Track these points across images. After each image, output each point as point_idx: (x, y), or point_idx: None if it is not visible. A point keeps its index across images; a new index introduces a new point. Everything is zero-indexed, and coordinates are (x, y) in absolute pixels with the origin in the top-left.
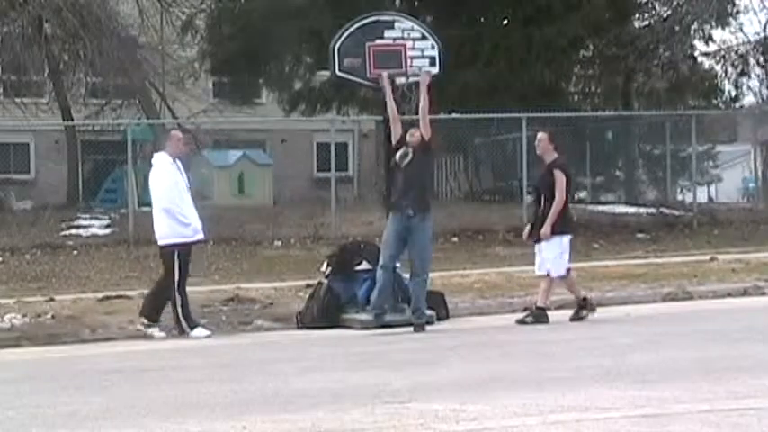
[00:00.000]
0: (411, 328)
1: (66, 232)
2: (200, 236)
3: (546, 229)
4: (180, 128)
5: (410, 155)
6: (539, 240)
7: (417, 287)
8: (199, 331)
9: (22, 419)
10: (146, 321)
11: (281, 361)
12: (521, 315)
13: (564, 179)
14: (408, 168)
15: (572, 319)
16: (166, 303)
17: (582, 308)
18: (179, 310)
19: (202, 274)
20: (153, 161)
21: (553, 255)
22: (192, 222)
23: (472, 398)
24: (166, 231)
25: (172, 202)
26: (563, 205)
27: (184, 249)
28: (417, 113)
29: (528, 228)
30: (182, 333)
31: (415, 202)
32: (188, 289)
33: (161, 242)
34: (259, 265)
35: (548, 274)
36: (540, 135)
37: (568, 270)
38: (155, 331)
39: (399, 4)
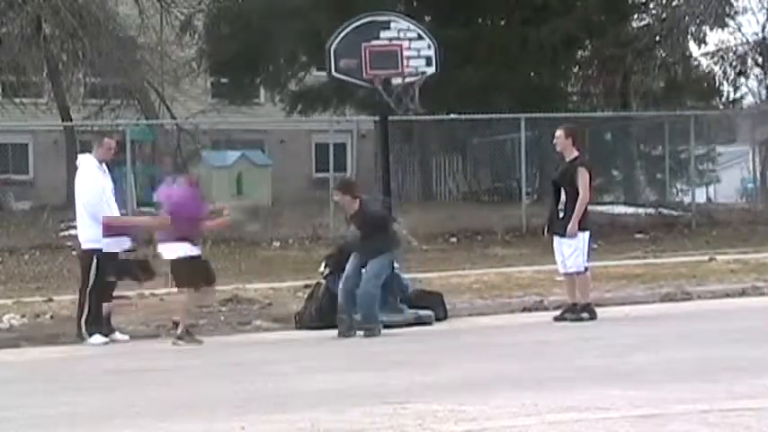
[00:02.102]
0: (410, 329)
1: (65, 233)
2: (126, 244)
3: (572, 227)
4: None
5: (357, 230)
6: (561, 235)
7: (363, 297)
8: (96, 338)
9: (22, 419)
10: (111, 334)
11: (280, 361)
12: (559, 314)
13: (587, 177)
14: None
15: (556, 319)
16: (111, 306)
17: (569, 311)
18: (84, 314)
19: None
20: (78, 162)
21: (571, 250)
22: None
23: (471, 398)
24: (89, 236)
25: (98, 208)
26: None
27: (105, 255)
28: (412, 115)
29: (546, 223)
30: (80, 337)
31: (367, 253)
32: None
33: (83, 246)
34: (258, 265)
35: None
36: (558, 132)
37: (586, 269)
38: (117, 336)
39: (398, 4)
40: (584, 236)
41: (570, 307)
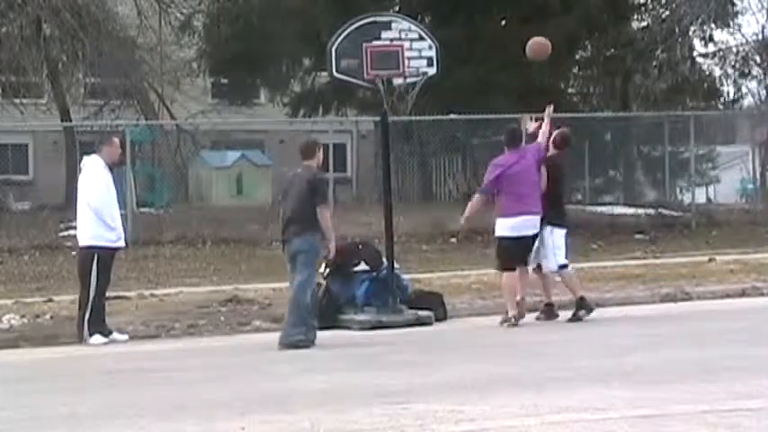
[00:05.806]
0: (410, 329)
1: (65, 233)
2: (122, 243)
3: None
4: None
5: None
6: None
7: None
8: (96, 338)
9: (22, 419)
10: (102, 336)
11: (280, 361)
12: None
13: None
14: None
15: (570, 321)
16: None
17: (580, 308)
18: (87, 314)
19: (200, 274)
20: (83, 163)
21: (546, 250)
22: (117, 228)
23: (471, 399)
24: (91, 233)
25: (103, 205)
26: (558, 198)
27: (105, 254)
28: (413, 115)
29: None
30: (80, 337)
31: None
32: (186, 290)
33: (84, 243)
34: (257, 265)
35: (538, 267)
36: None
37: (566, 265)
38: (116, 336)
39: (398, 4)
40: (560, 233)
41: (545, 308)
